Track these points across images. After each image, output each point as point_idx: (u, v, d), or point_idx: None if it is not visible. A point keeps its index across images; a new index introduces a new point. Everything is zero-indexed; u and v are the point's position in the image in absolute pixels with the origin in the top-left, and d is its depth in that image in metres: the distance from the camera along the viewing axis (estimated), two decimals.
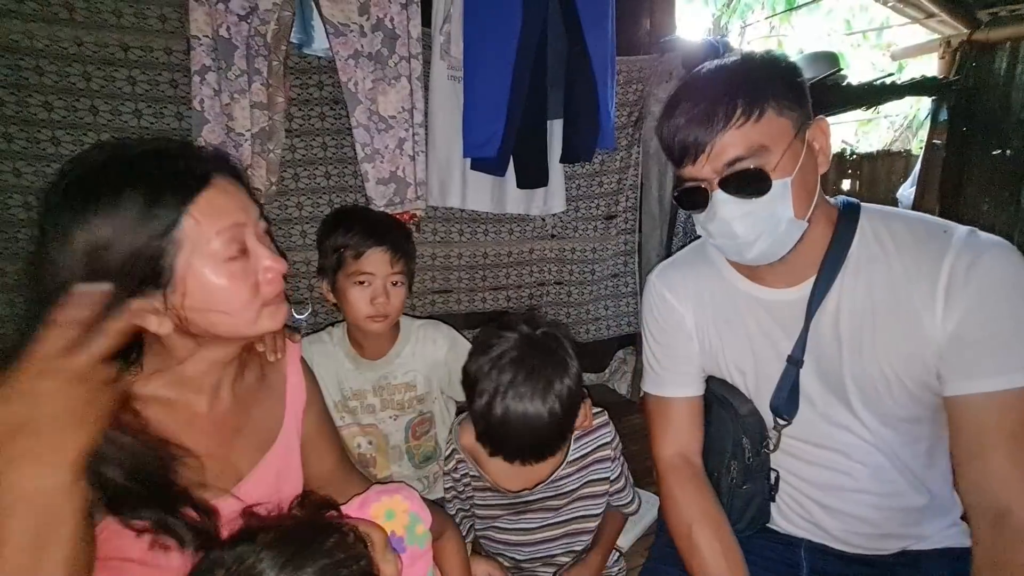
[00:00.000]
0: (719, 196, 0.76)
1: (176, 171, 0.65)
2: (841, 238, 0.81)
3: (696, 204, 0.80)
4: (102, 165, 0.63)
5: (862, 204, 0.85)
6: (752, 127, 0.73)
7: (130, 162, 0.64)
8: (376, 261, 1.18)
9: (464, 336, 1.29)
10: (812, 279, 0.83)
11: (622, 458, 1.14)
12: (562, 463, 1.05)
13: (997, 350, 0.72)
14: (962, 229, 0.77)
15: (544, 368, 0.91)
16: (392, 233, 1.22)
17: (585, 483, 1.09)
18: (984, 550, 0.74)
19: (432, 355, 1.34)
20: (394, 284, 1.21)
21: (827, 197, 0.86)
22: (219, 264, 0.65)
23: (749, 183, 0.75)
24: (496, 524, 1.11)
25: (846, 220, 0.83)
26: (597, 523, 1.13)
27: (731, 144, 0.74)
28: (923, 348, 0.76)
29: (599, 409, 1.11)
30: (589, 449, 1.09)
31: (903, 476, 0.85)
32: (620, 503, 1.15)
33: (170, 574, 0.66)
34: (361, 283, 1.18)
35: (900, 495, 0.85)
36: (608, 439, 1.10)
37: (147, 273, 0.62)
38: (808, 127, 0.78)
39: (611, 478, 1.11)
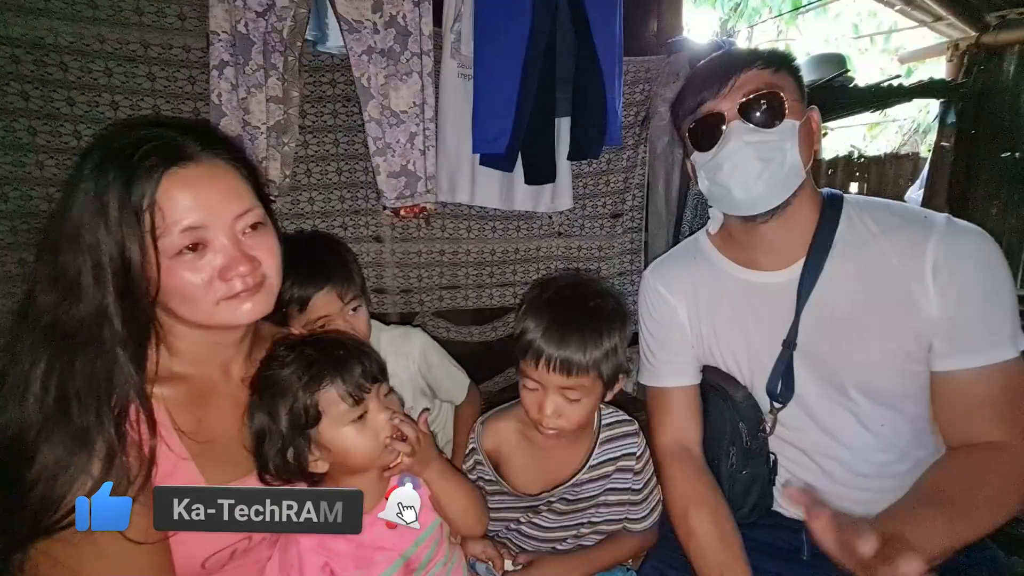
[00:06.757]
0: (735, 125, 0.83)
1: (148, 152, 0.69)
2: (828, 221, 0.86)
3: (710, 138, 0.86)
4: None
5: (844, 195, 0.90)
6: (770, 74, 0.84)
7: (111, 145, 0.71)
8: (324, 305, 1.03)
9: (472, 331, 1.28)
10: (801, 260, 0.87)
11: (653, 478, 1.09)
12: (584, 466, 1.05)
13: (983, 328, 0.78)
14: (940, 216, 0.83)
15: (590, 286, 1.01)
16: (326, 262, 1.06)
17: (606, 490, 1.07)
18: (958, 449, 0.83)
19: (405, 369, 1.29)
20: (353, 310, 1.08)
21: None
22: (172, 256, 0.70)
23: (766, 108, 0.82)
24: (508, 525, 1.11)
25: (831, 206, 0.88)
26: (611, 529, 1.10)
27: (753, 78, 0.83)
28: (918, 323, 0.80)
29: (629, 419, 1.10)
30: (614, 455, 1.07)
31: (895, 446, 0.87)
32: (632, 516, 1.09)
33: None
34: (319, 328, 1.03)
35: (893, 463, 0.88)
36: (635, 450, 1.08)
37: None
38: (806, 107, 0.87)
39: (632, 488, 1.08)
